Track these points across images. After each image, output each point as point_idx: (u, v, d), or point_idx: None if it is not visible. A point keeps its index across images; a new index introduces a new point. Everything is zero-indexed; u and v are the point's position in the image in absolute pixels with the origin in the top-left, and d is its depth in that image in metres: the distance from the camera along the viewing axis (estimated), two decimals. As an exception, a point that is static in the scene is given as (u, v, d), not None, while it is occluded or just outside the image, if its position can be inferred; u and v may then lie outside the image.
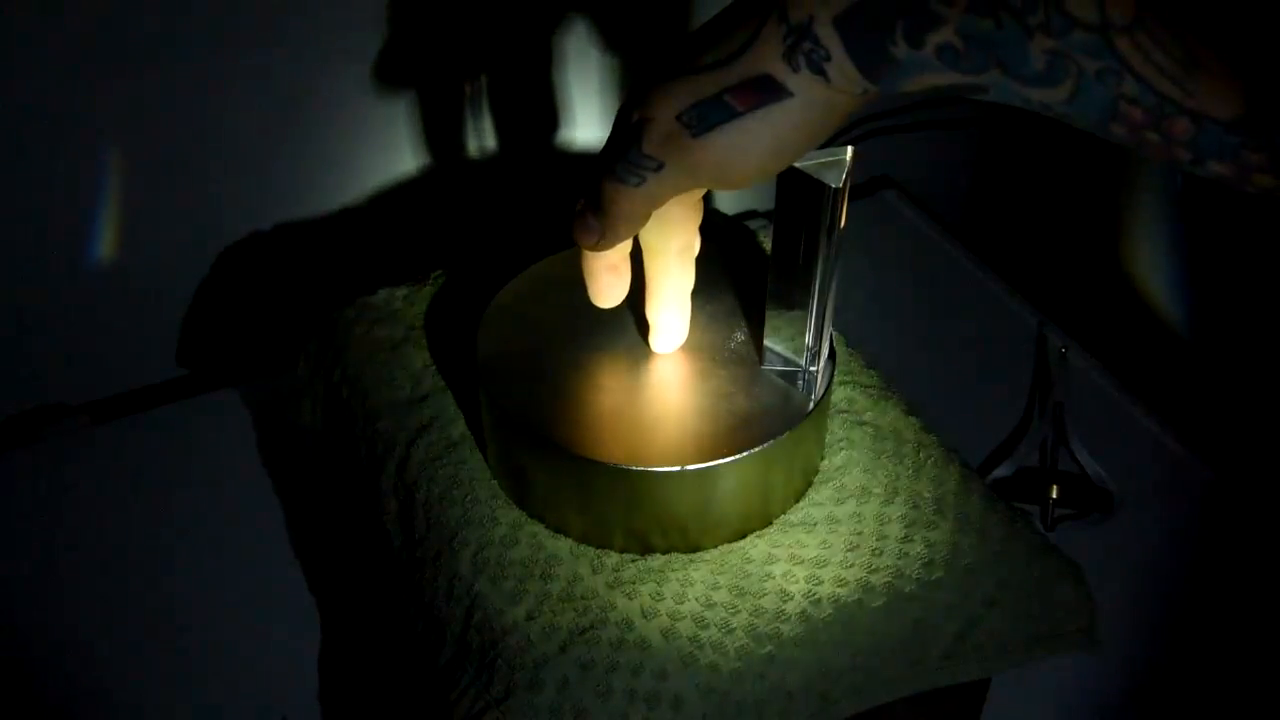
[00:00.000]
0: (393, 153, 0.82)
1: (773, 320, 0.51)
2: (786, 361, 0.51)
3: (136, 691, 0.62)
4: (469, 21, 0.78)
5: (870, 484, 0.53)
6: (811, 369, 0.51)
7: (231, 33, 0.72)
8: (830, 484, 0.53)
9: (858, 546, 0.50)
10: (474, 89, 0.81)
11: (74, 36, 0.68)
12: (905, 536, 0.51)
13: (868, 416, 0.56)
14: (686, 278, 0.50)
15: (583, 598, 0.48)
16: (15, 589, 0.67)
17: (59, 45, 0.68)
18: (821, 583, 0.49)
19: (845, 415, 0.56)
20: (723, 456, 0.48)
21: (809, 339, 0.50)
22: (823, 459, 0.54)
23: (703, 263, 0.51)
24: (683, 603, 0.48)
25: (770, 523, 0.51)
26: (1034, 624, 0.51)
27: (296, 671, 0.63)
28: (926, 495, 0.52)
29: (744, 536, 0.51)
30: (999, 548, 0.51)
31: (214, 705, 0.62)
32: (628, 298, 0.50)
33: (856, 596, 0.49)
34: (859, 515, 0.51)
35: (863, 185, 1.00)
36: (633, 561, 0.50)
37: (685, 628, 0.47)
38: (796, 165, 0.45)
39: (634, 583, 0.48)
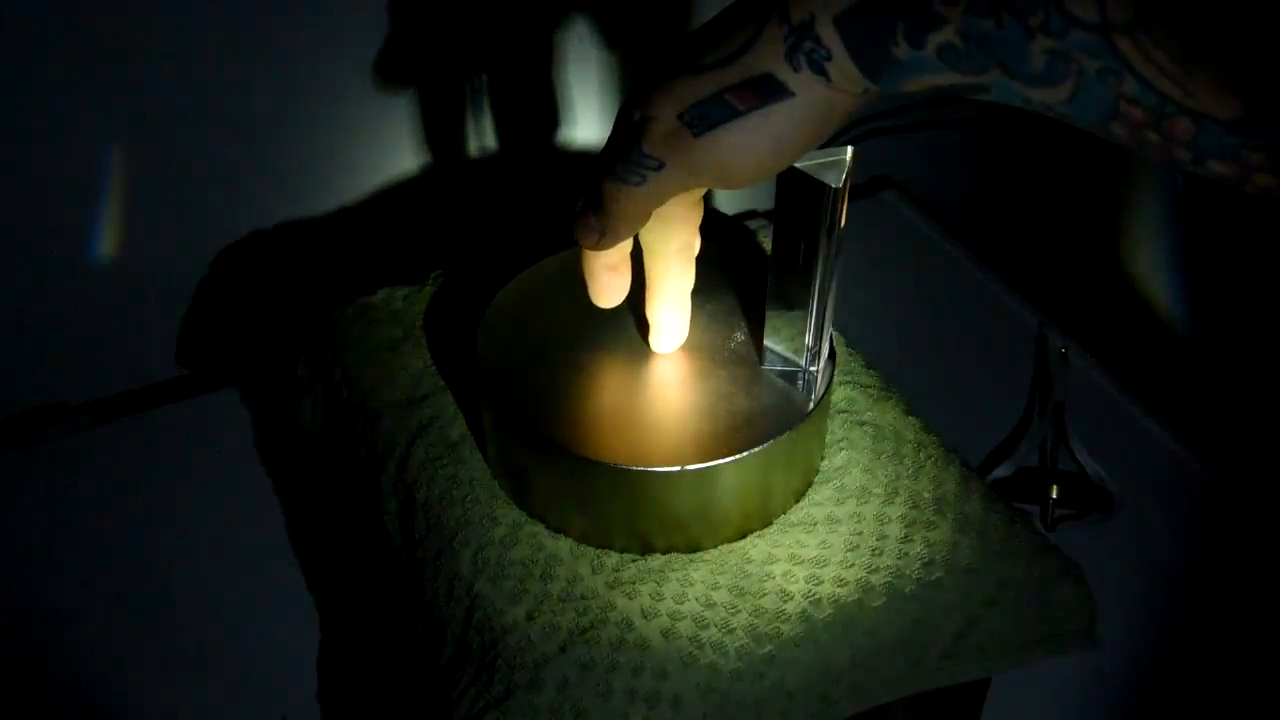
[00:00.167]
0: (393, 153, 0.82)
1: (773, 320, 0.51)
2: (786, 361, 0.51)
3: (137, 691, 0.62)
4: (469, 21, 0.78)
5: (870, 484, 0.53)
6: (811, 369, 0.51)
7: (231, 33, 0.72)
8: (830, 484, 0.53)
9: (858, 546, 0.50)
10: (474, 89, 0.81)
11: (74, 37, 0.68)
12: (905, 536, 0.51)
13: (868, 416, 0.56)
14: (686, 277, 0.50)
15: (583, 598, 0.48)
16: (15, 589, 0.67)
17: (59, 46, 0.68)
18: (821, 583, 0.49)
19: (845, 415, 0.56)
20: (723, 456, 0.48)
21: (809, 339, 0.50)
22: (823, 459, 0.54)
23: (703, 263, 0.51)
24: (683, 603, 0.48)
25: (770, 523, 0.51)
26: (1034, 624, 0.51)
27: (296, 671, 0.63)
28: (926, 495, 0.52)
29: (744, 536, 0.51)
30: (999, 548, 0.51)
31: (214, 705, 0.62)
32: (628, 298, 0.50)
33: (856, 596, 0.49)
34: (859, 515, 0.51)
35: (863, 185, 1.00)
36: (633, 561, 0.50)
37: (685, 628, 0.47)
38: (796, 165, 0.45)
39: (634, 583, 0.48)
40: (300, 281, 0.84)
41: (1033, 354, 0.84)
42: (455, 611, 0.49)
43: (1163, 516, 0.72)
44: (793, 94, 0.39)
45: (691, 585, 0.48)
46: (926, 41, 0.36)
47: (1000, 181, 1.08)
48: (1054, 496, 0.71)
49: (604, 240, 0.44)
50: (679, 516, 0.49)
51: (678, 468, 0.47)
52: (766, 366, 0.52)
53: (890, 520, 0.51)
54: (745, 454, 0.48)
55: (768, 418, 0.49)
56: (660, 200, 0.43)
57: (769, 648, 0.47)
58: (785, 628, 0.47)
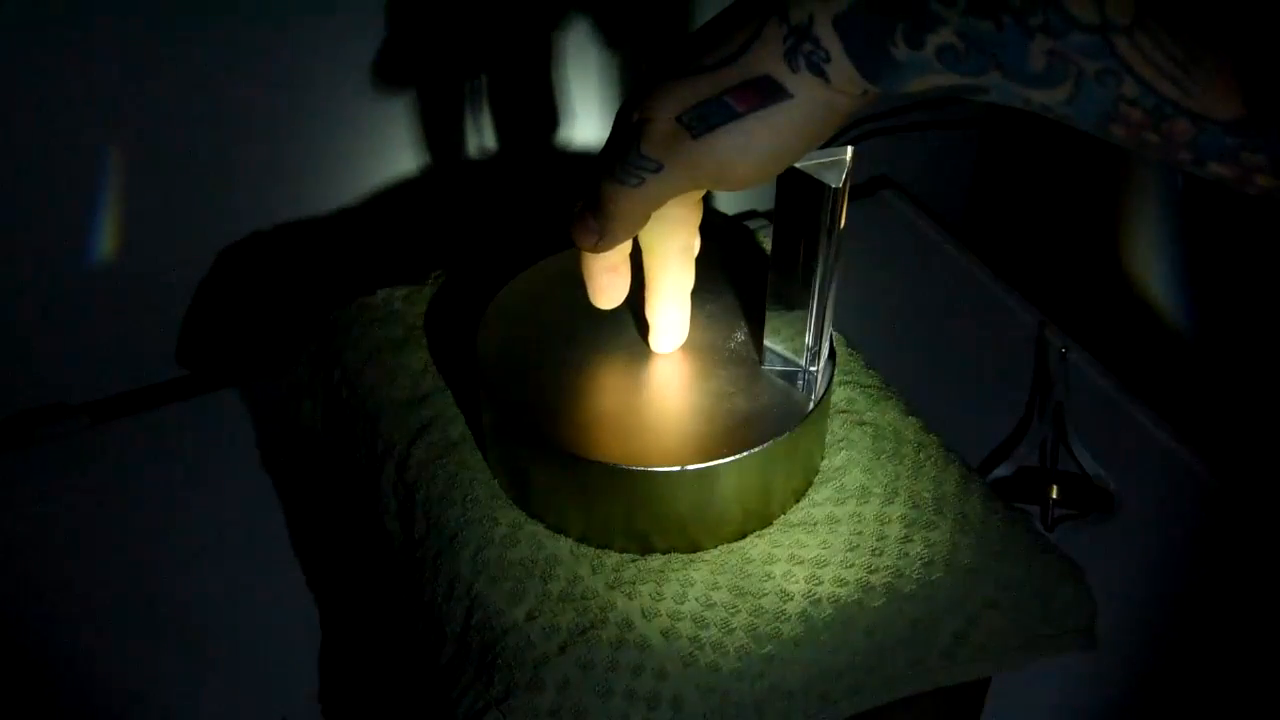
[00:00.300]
0: (393, 153, 0.82)
1: (773, 320, 0.51)
2: (786, 361, 0.51)
3: (136, 691, 0.62)
4: (469, 21, 0.78)
5: (870, 484, 0.53)
6: (811, 369, 0.51)
7: (231, 33, 0.72)
8: (830, 484, 0.53)
9: (858, 546, 0.50)
10: (474, 89, 0.81)
11: (74, 37, 0.68)
12: (905, 536, 0.51)
13: (868, 416, 0.56)
14: (686, 277, 0.50)
15: (583, 598, 0.48)
16: (15, 589, 0.67)
17: (59, 46, 0.68)
18: (821, 583, 0.49)
19: (845, 415, 0.56)
20: (723, 456, 0.48)
21: (809, 339, 0.50)
22: (823, 459, 0.54)
23: (703, 263, 0.51)
24: (683, 603, 0.48)
25: (770, 523, 0.51)
26: (1034, 624, 0.51)
27: (296, 671, 0.63)
28: (926, 495, 0.52)
29: (744, 536, 0.51)
30: (999, 548, 0.51)
31: (214, 705, 0.62)
32: (627, 298, 0.50)
33: (856, 596, 0.49)
34: (859, 515, 0.51)
35: (863, 185, 1.00)
36: (633, 561, 0.50)
37: (685, 628, 0.47)
38: (796, 165, 0.45)
39: (634, 583, 0.48)
40: (300, 281, 0.84)
41: (1033, 354, 0.84)
42: (455, 611, 0.49)
43: (1163, 516, 0.72)
44: (791, 95, 0.39)
45: (691, 585, 0.48)
46: (925, 42, 0.36)
47: (1000, 181, 1.08)
48: (1054, 496, 0.71)
49: (603, 242, 0.44)
50: (679, 516, 0.49)
51: (678, 468, 0.47)
52: (766, 366, 0.52)
53: (890, 520, 0.51)
54: (745, 454, 0.48)
55: (768, 418, 0.49)
56: (659, 202, 0.43)
57: (769, 648, 0.47)
58: (785, 628, 0.47)
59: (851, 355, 0.60)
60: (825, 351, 0.52)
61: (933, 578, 0.50)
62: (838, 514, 0.52)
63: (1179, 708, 0.63)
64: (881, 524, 0.51)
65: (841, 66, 0.38)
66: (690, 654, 0.46)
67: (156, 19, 0.70)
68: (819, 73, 0.38)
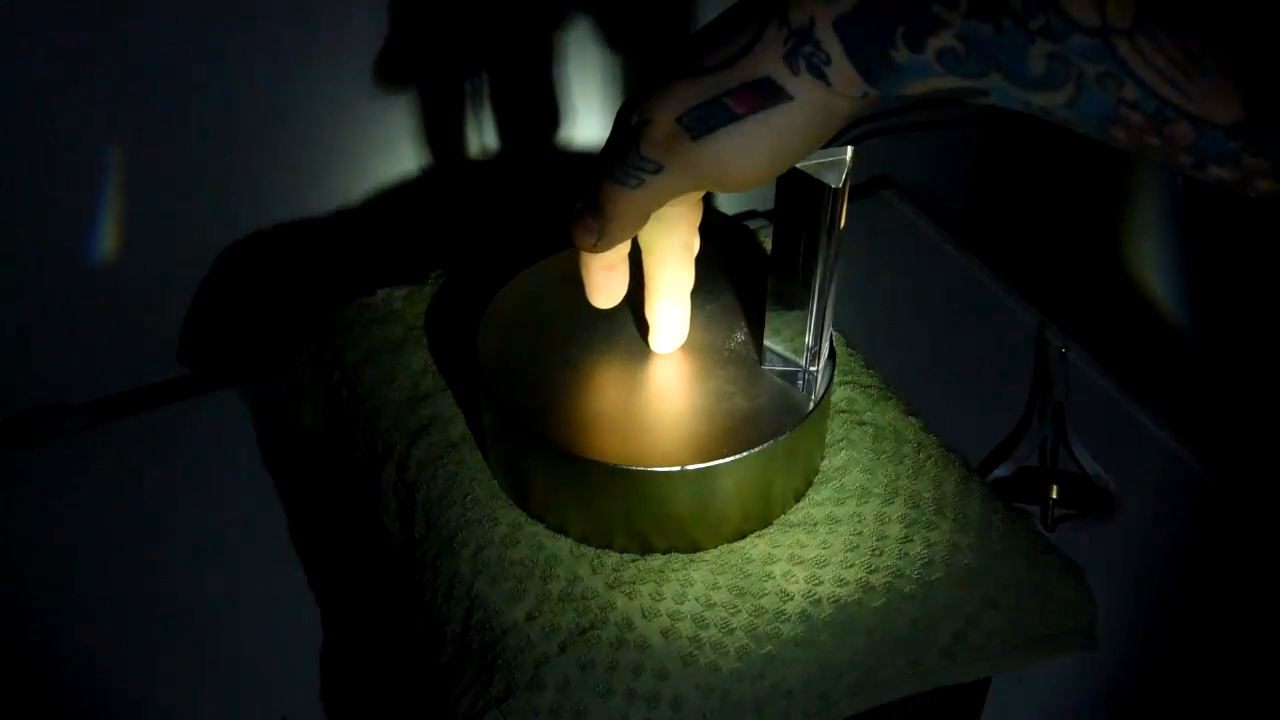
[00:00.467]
0: (393, 153, 0.82)
1: (773, 320, 0.51)
2: (786, 361, 0.51)
3: (136, 691, 0.62)
4: (469, 20, 0.78)
5: (870, 484, 0.53)
6: (811, 369, 0.51)
7: (231, 32, 0.72)
8: (830, 484, 0.53)
9: (858, 546, 0.50)
10: (474, 88, 0.81)
11: (74, 37, 0.68)
12: (905, 536, 0.51)
13: (868, 416, 0.56)
14: (686, 277, 0.50)
15: (583, 598, 0.48)
16: (15, 589, 0.67)
17: (59, 46, 0.68)
18: (821, 583, 0.49)
19: (845, 415, 0.56)
20: (723, 456, 0.48)
21: (809, 339, 0.50)
22: (823, 459, 0.54)
23: (703, 263, 0.51)
24: (683, 603, 0.48)
25: (770, 523, 0.51)
26: (1034, 624, 0.51)
27: (297, 671, 0.63)
28: (926, 495, 0.52)
29: (744, 536, 0.51)
30: (999, 548, 0.51)
31: (214, 705, 0.62)
32: (627, 298, 0.50)
33: (856, 596, 0.49)
34: (859, 515, 0.52)
35: (863, 185, 1.00)
36: (633, 561, 0.50)
37: (685, 628, 0.47)
38: (796, 165, 0.45)
39: (634, 583, 0.49)
40: (300, 281, 0.84)
41: (1033, 354, 0.84)
42: (455, 611, 0.49)
43: (1163, 516, 0.72)
44: (792, 98, 0.39)
45: (691, 585, 0.48)
46: (926, 45, 0.36)
47: (1000, 181, 1.08)
48: (1054, 496, 0.71)
49: (602, 242, 0.44)
50: (679, 516, 0.49)
51: (678, 468, 0.47)
52: (766, 366, 0.52)
53: (890, 520, 0.51)
54: (745, 454, 0.48)
55: (768, 418, 0.49)
56: (658, 203, 0.43)
57: (769, 648, 0.47)
58: (785, 628, 0.47)
59: (851, 355, 0.60)
60: (825, 351, 0.52)
61: (933, 578, 0.50)
62: (838, 514, 0.52)
63: (1178, 707, 0.63)
64: (881, 524, 0.51)
65: (842, 69, 0.38)
66: (690, 654, 0.46)
67: (157, 19, 0.70)
68: (819, 75, 0.38)
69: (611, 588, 0.48)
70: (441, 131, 0.82)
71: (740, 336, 0.54)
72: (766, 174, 0.41)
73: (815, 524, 0.51)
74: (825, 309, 0.50)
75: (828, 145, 0.44)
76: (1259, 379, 0.81)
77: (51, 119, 0.71)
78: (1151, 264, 0.91)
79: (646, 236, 0.49)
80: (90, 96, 0.71)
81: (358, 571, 0.65)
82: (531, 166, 0.86)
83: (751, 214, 0.95)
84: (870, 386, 0.58)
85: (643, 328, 0.53)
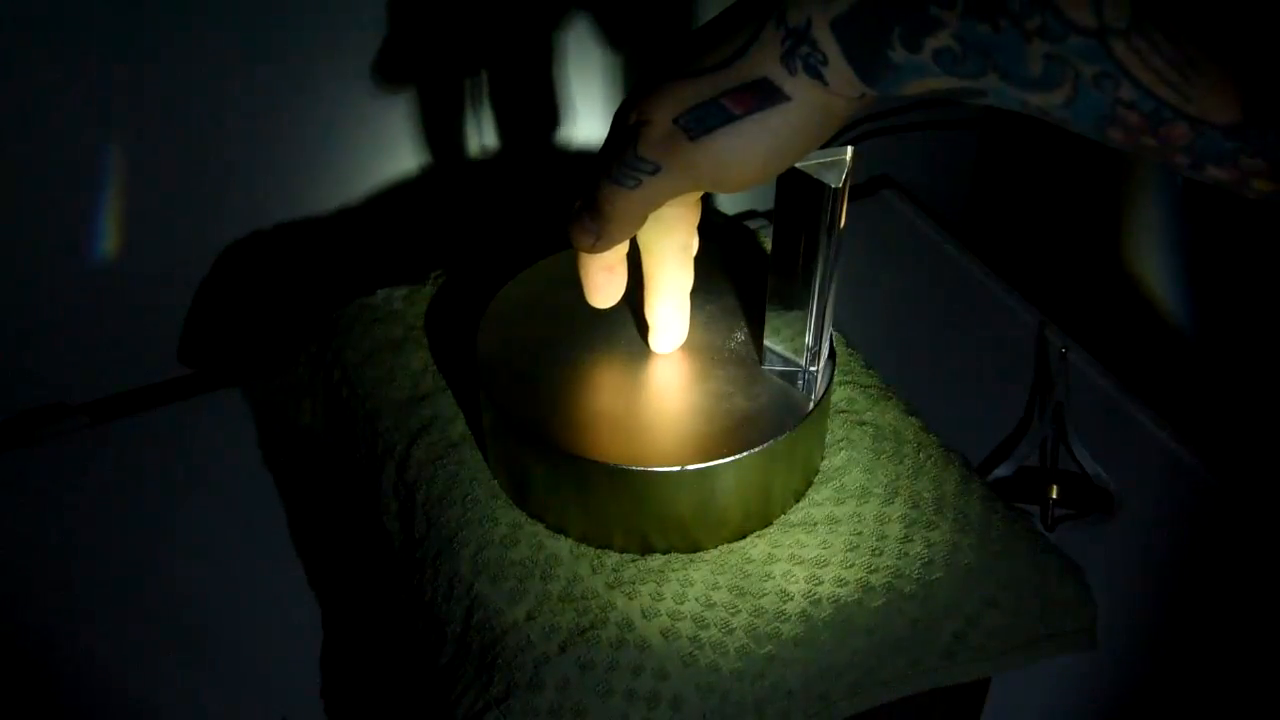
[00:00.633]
0: (393, 153, 0.82)
1: (773, 320, 0.51)
2: (786, 361, 0.51)
3: (136, 691, 0.62)
4: (469, 20, 0.78)
5: (870, 484, 0.53)
6: (811, 369, 0.51)
7: (231, 32, 0.72)
8: (830, 484, 0.53)
9: (858, 546, 0.50)
10: (474, 88, 0.81)
11: (74, 37, 0.68)
12: (905, 536, 0.51)
13: (868, 416, 0.56)
14: (685, 277, 0.50)
15: (583, 598, 0.48)
16: (15, 589, 0.67)
17: (59, 46, 0.68)
18: (821, 583, 0.49)
19: (845, 415, 0.56)
20: (723, 456, 0.48)
21: (809, 339, 0.50)
22: (823, 459, 0.54)
23: (703, 263, 0.51)
24: (683, 603, 0.48)
25: (770, 523, 0.51)
26: (1034, 624, 0.51)
27: (297, 671, 0.63)
28: (926, 495, 0.52)
29: (744, 536, 0.51)
30: (999, 548, 0.51)
31: (214, 705, 0.62)
32: (628, 298, 0.50)
33: (856, 596, 0.49)
34: (859, 515, 0.52)
35: (863, 185, 1.00)
36: (633, 561, 0.50)
37: (685, 628, 0.47)
38: (796, 165, 0.45)
39: (634, 583, 0.49)
40: (300, 281, 0.84)
41: (1033, 354, 0.84)
42: (455, 611, 0.49)
43: (1163, 516, 0.72)
44: (789, 98, 0.39)
45: (691, 585, 0.49)
46: (923, 45, 0.36)
47: (1000, 181, 1.08)
48: (1054, 496, 0.71)
49: (600, 243, 0.44)
50: (679, 516, 0.49)
51: (678, 468, 0.47)
52: (766, 366, 0.52)
53: (890, 520, 0.51)
54: (745, 454, 0.48)
55: (767, 418, 0.49)
56: (656, 203, 0.43)
57: (769, 648, 0.47)
58: (785, 628, 0.47)
59: (851, 355, 0.60)
60: (825, 351, 0.52)
61: (933, 578, 0.50)
62: (838, 514, 0.52)
63: (1178, 708, 0.63)
64: (881, 524, 0.51)
65: (839, 69, 0.38)
66: (690, 654, 0.46)
67: (156, 19, 0.70)
68: (816, 75, 0.38)
69: (611, 588, 0.48)
70: (441, 131, 0.82)
71: (740, 336, 0.54)
72: (764, 174, 0.41)
73: (815, 524, 0.51)
74: (825, 309, 0.50)
75: (827, 145, 0.44)
76: (1259, 379, 0.81)
77: (51, 119, 0.71)
78: (1151, 264, 0.91)
79: (645, 237, 0.49)
80: (90, 96, 0.71)
81: (358, 571, 0.65)
82: (531, 166, 0.86)
83: (751, 214, 0.95)
84: (870, 386, 0.58)
85: (643, 328, 0.53)
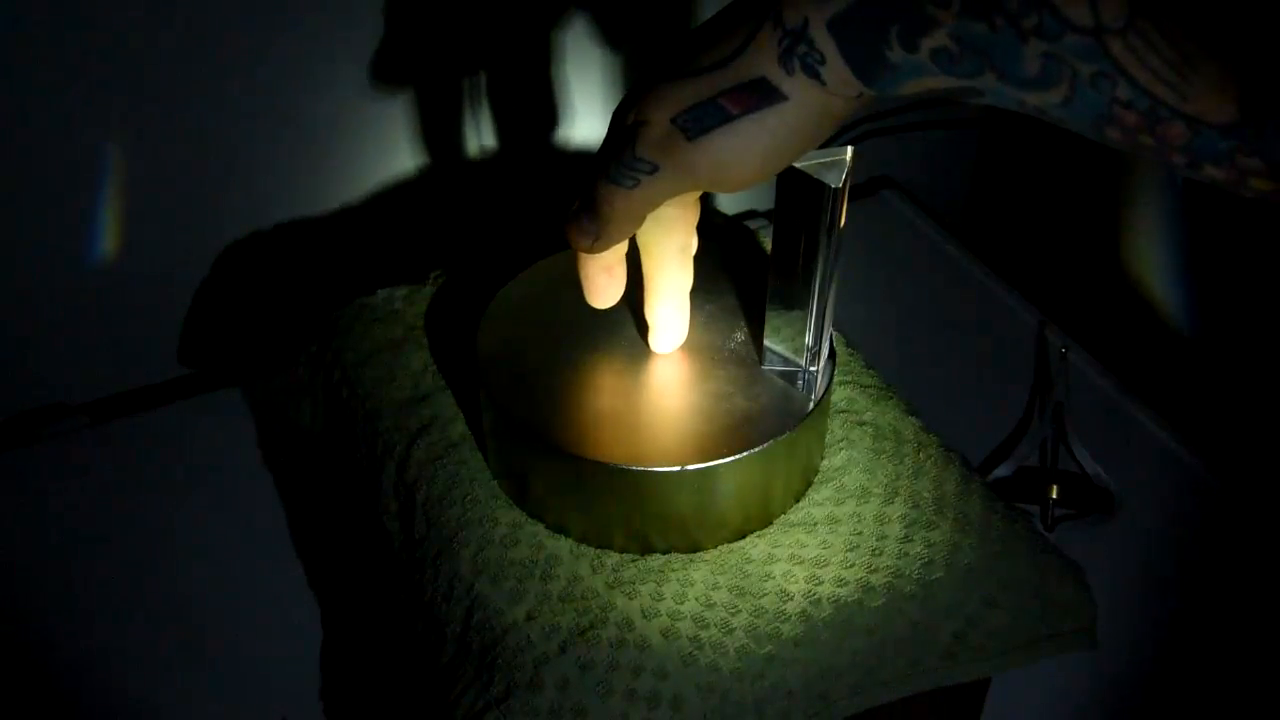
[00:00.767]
0: (392, 153, 0.82)
1: (773, 320, 0.51)
2: (786, 361, 0.51)
3: (136, 691, 0.62)
4: (468, 20, 0.78)
5: (870, 484, 0.53)
6: (811, 369, 0.51)
7: (231, 32, 0.72)
8: (830, 484, 0.53)
9: (858, 546, 0.50)
10: (473, 88, 0.81)
11: (74, 37, 0.68)
12: (905, 536, 0.51)
13: (868, 416, 0.56)
14: (685, 277, 0.50)
15: (583, 598, 0.48)
16: (15, 589, 0.67)
17: (60, 46, 0.68)
18: (821, 583, 0.49)
19: (845, 415, 0.56)
20: (723, 456, 0.48)
21: (809, 339, 0.50)
22: (823, 459, 0.54)
23: (703, 263, 0.51)
24: (683, 603, 0.48)
25: (770, 523, 0.51)
26: (1034, 624, 0.51)
27: (297, 671, 0.63)
28: (926, 495, 0.52)
29: (744, 536, 0.51)
30: (999, 548, 0.51)
31: (214, 705, 0.62)
32: (628, 298, 0.50)
33: (856, 596, 0.49)
34: (859, 515, 0.52)
35: (863, 185, 1.00)
36: (633, 561, 0.50)
37: (685, 628, 0.47)
38: (796, 165, 0.45)
39: (634, 583, 0.49)
40: (300, 281, 0.84)
41: (1033, 354, 0.84)
42: (455, 611, 0.49)
43: (1163, 516, 0.72)
44: (786, 98, 0.39)
45: (691, 585, 0.49)
46: (920, 45, 0.36)
47: (1000, 181, 1.08)
48: (1054, 496, 0.71)
49: (598, 243, 0.44)
50: (679, 516, 0.49)
51: (678, 468, 0.47)
52: (766, 366, 0.52)
53: (890, 520, 0.51)
54: (745, 454, 0.48)
55: (768, 418, 0.49)
56: (654, 203, 0.43)
57: (769, 648, 0.47)
58: (785, 628, 0.47)
59: (851, 355, 0.60)
60: (825, 351, 0.52)
61: (933, 578, 0.50)
62: (838, 514, 0.52)
63: (1179, 708, 0.63)
64: (881, 524, 0.51)
65: (836, 69, 0.38)
66: (690, 654, 0.46)
67: (156, 19, 0.70)
68: (814, 75, 0.38)
69: (611, 588, 0.48)
70: (441, 132, 0.82)
71: (740, 336, 0.54)
72: (762, 174, 0.41)
73: (815, 524, 0.51)
74: (825, 309, 0.50)
75: (827, 145, 0.44)
76: (1259, 379, 0.81)
77: (51, 119, 0.71)
78: (1151, 264, 0.91)
79: (644, 238, 0.49)
80: (90, 96, 0.71)
81: (358, 571, 0.65)
82: (531, 166, 0.86)
83: (751, 214, 0.95)
84: (870, 386, 0.58)
85: (643, 328, 0.53)
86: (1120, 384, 0.81)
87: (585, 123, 0.86)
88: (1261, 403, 0.80)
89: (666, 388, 0.52)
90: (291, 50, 0.75)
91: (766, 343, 0.52)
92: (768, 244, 0.63)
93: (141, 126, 0.73)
